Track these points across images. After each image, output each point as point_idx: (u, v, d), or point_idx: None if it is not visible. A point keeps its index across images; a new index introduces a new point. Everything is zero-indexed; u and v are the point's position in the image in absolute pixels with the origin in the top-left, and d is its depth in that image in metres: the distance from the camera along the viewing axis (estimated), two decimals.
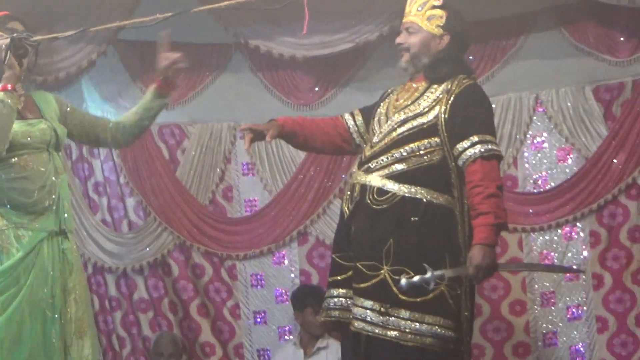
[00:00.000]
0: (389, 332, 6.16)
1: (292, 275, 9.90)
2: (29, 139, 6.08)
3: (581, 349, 9.16)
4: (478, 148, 6.17)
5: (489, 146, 6.21)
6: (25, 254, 5.96)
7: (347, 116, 6.92)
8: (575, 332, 9.21)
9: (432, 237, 6.24)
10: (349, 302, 6.39)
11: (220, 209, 10.06)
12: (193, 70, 9.82)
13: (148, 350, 9.80)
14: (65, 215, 6.14)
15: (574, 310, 9.20)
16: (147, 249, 9.94)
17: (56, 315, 6.00)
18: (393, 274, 6.15)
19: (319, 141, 6.96)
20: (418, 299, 6.13)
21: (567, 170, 9.28)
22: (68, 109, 6.48)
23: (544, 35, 9.35)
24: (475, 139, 6.19)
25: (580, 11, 9.10)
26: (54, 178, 6.12)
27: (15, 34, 6.10)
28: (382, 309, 6.17)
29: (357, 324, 6.25)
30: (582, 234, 9.22)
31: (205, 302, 9.98)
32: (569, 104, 9.22)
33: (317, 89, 9.82)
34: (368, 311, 6.19)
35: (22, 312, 5.91)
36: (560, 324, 9.24)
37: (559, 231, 9.28)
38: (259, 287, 9.94)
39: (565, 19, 9.23)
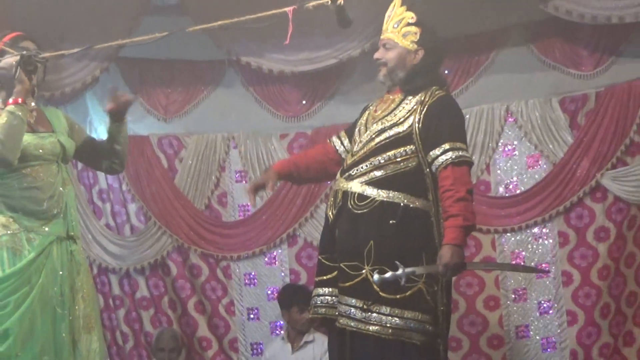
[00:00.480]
0: (371, 327, 6.17)
1: (283, 274, 9.89)
2: (40, 151, 6.06)
3: (552, 339, 9.13)
4: (449, 155, 6.20)
5: (460, 153, 6.23)
6: (36, 255, 5.94)
7: (335, 139, 6.92)
8: (546, 325, 9.17)
9: (410, 238, 6.24)
10: (334, 300, 6.40)
11: (216, 213, 10.05)
12: (189, 85, 9.94)
13: (149, 344, 9.77)
14: (73, 222, 6.14)
15: (544, 304, 9.18)
16: (148, 251, 9.94)
17: (65, 312, 5.98)
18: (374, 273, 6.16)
19: (313, 171, 6.97)
20: (398, 296, 6.15)
21: (536, 176, 9.27)
22: (76, 127, 6.48)
23: (514, 50, 9.37)
24: (447, 146, 6.22)
25: (547, 28, 9.12)
26: (61, 188, 6.12)
27: (25, 52, 6.10)
28: (365, 306, 6.19)
29: (342, 321, 6.27)
30: (551, 235, 9.20)
31: (202, 299, 9.97)
32: (537, 114, 9.22)
33: (304, 101, 9.83)
34: (352, 308, 6.22)
35: (34, 309, 5.89)
36: (532, 318, 9.22)
37: (530, 232, 9.26)
38: (252, 285, 9.93)
39: (533, 35, 9.27)
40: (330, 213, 6.54)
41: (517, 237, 9.31)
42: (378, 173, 6.31)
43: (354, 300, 6.21)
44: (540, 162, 9.28)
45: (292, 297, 9.24)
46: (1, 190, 6.05)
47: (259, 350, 9.82)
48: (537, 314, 9.20)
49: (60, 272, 6.01)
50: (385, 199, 6.26)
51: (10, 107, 5.94)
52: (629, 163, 8.95)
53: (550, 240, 9.20)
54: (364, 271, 6.19)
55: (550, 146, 9.16)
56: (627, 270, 8.88)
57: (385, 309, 6.16)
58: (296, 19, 6.34)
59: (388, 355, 6.22)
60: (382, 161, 6.31)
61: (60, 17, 8.71)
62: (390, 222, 6.24)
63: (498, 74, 9.41)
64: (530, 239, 9.29)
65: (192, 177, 9.96)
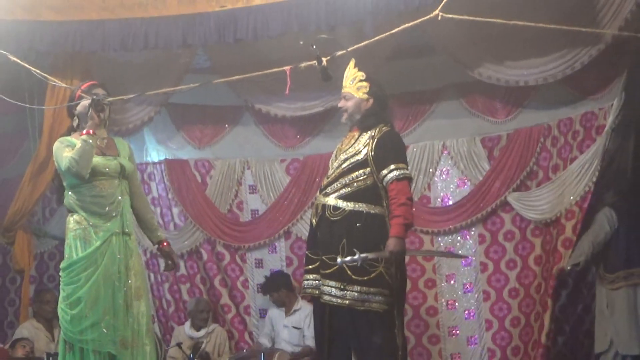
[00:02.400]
0: (346, 302, 6.32)
1: (281, 259, 9.89)
2: (106, 169, 6.19)
3: (472, 311, 9.14)
4: (394, 173, 6.34)
5: (402, 171, 6.38)
6: (101, 243, 6.06)
7: None
8: (468, 301, 9.18)
9: (371, 235, 6.37)
10: (318, 283, 6.49)
11: (235, 215, 10.04)
12: (217, 123, 9.98)
13: (186, 309, 9.79)
14: (127, 222, 6.24)
15: (467, 286, 9.18)
16: (186, 242, 9.96)
17: (121, 285, 6.08)
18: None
19: None
20: (365, 278, 6.31)
21: (463, 192, 9.26)
22: (133, 157, 6.56)
23: (449, 103, 9.35)
24: (392, 167, 6.36)
25: (473, 87, 9.08)
26: (120, 197, 6.23)
27: (95, 96, 6.19)
28: (341, 287, 6.33)
29: (325, 297, 6.41)
30: (473, 235, 9.20)
31: (225, 277, 9.99)
32: (464, 148, 9.21)
33: (298, 136, 9.79)
34: (332, 288, 6.37)
35: (99, 283, 6.02)
36: (458, 295, 9.22)
37: (458, 233, 9.25)
38: (260, 267, 9.93)
39: (463, 92, 9.25)
40: (313, 220, 6.68)
41: (449, 237, 9.28)
42: (346, 190, 6.45)
43: (333, 283, 6.37)
44: (466, 183, 9.25)
45: (280, 281, 9.38)
46: (77, 196, 6.18)
47: (264, 314, 9.81)
48: (462, 292, 9.18)
49: (118, 256, 6.11)
50: (352, 209, 6.41)
51: (84, 137, 6.10)
52: (530, 186, 8.92)
53: (472, 239, 9.19)
54: (338, 258, 6.26)
55: (473, 172, 9.15)
56: (536, 267, 8.84)
57: (356, 288, 6.30)
58: (295, 80, 6.48)
59: (358, 321, 6.35)
60: (347, 181, 6.45)
61: (127, 73, 8.76)
62: (357, 224, 6.40)
63: (437, 119, 9.38)
64: (458, 238, 9.26)
65: (218, 190, 9.96)
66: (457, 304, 9.23)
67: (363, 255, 6.17)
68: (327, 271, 6.40)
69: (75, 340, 5.99)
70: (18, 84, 8.08)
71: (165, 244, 6.57)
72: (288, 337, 9.15)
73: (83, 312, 5.98)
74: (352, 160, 6.48)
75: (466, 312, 9.17)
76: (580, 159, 8.42)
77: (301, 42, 6.28)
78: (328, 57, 6.22)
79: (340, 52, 6.38)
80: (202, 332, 9.41)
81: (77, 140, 6.15)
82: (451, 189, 9.36)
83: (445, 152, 9.34)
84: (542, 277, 8.76)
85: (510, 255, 9.02)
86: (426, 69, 9.24)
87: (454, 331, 9.18)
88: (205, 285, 10.00)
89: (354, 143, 6.57)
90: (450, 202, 9.32)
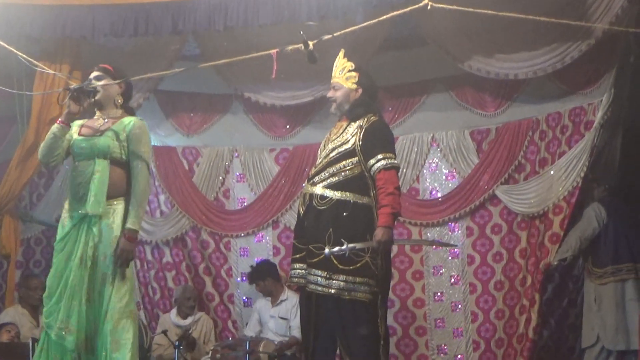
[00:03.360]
0: (332, 290, 6.25)
1: (268, 249, 9.88)
2: (82, 150, 6.02)
3: (459, 303, 9.16)
4: (382, 162, 6.26)
5: (389, 161, 6.30)
6: (70, 228, 5.93)
7: None
8: (455, 293, 9.19)
9: (358, 225, 6.29)
10: (304, 272, 6.43)
11: (221, 203, 10.03)
12: (206, 111, 9.98)
13: (171, 296, 9.78)
14: (93, 204, 5.84)
15: (454, 278, 9.19)
16: (171, 229, 9.95)
17: (87, 271, 5.82)
18: None
19: None
20: (351, 267, 6.22)
21: (451, 185, 9.27)
22: (135, 139, 6.03)
23: (438, 95, 9.37)
24: (380, 156, 6.28)
25: (462, 80, 9.11)
26: (90, 179, 5.93)
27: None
28: (327, 276, 6.26)
29: (311, 287, 6.34)
30: (460, 228, 9.22)
31: (209, 265, 9.99)
32: (453, 141, 9.23)
33: (287, 126, 9.81)
34: (318, 277, 6.28)
35: (64, 268, 5.87)
36: (445, 287, 9.22)
37: (446, 226, 9.27)
38: (245, 256, 9.92)
39: (453, 85, 9.27)
40: (301, 209, 6.58)
41: (437, 229, 9.29)
42: (333, 179, 6.35)
43: (319, 272, 6.28)
44: (454, 176, 9.28)
45: (266, 270, 9.32)
46: (68, 181, 6.15)
47: (249, 303, 9.81)
48: (449, 284, 9.19)
49: (84, 241, 5.84)
50: (339, 198, 6.30)
51: (52, 126, 6.07)
52: (518, 180, 8.93)
53: (460, 232, 9.20)
54: (325, 249, 6.21)
55: (462, 165, 9.17)
56: (522, 260, 8.84)
57: (342, 277, 6.22)
58: (284, 70, 6.46)
59: (344, 310, 6.30)
60: (335, 170, 6.36)
61: (117, 60, 8.65)
62: (344, 214, 6.28)
63: (427, 111, 9.40)
64: (446, 230, 9.27)
65: (205, 177, 9.96)
66: (444, 296, 9.23)
67: (351, 245, 6.12)
68: (314, 260, 6.33)
69: (45, 325, 5.87)
70: (7, 69, 8.03)
71: (126, 236, 5.85)
72: (274, 328, 9.11)
73: (49, 297, 5.87)
74: (340, 149, 6.42)
75: (452, 304, 9.18)
76: (568, 154, 8.44)
77: (301, 32, 6.24)
78: (315, 41, 6.19)
79: (327, 37, 6.34)
80: (189, 319, 9.38)
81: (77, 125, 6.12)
82: (440, 182, 9.38)
83: (435, 144, 9.36)
84: (526, 270, 8.77)
85: (497, 248, 9.03)
86: (416, 61, 9.24)
87: (440, 323, 9.19)
88: (191, 273, 9.97)
89: (342, 133, 6.51)
90: (439, 195, 9.33)
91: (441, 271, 9.29)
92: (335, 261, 6.23)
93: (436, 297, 9.27)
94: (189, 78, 9.06)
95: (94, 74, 6.26)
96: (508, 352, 8.75)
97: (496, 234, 9.06)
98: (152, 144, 9.69)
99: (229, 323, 9.88)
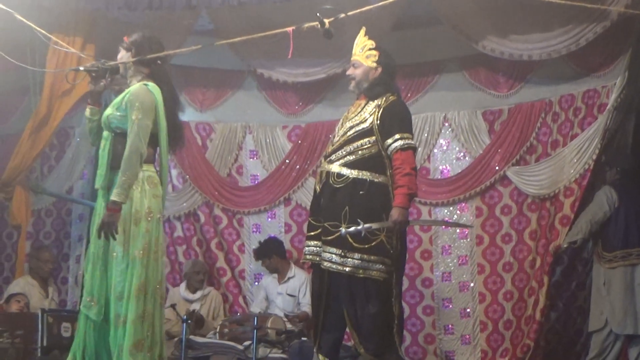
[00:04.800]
0: (346, 269, 6.32)
1: (280, 226, 9.86)
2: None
3: (467, 284, 9.11)
4: (399, 142, 6.35)
5: (406, 141, 6.39)
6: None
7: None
8: (463, 273, 9.14)
9: (374, 204, 6.37)
10: (319, 250, 6.49)
11: (234, 180, 10.00)
12: (219, 87, 9.97)
13: (181, 271, 9.78)
14: (102, 177, 5.75)
15: (462, 258, 9.14)
16: (184, 204, 9.93)
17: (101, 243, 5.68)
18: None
19: None
20: (366, 246, 6.31)
21: (462, 165, 9.21)
22: (128, 103, 5.69)
23: (451, 75, 9.31)
24: (397, 136, 6.37)
25: (475, 60, 9.06)
26: (101, 151, 5.85)
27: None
28: (342, 254, 6.32)
29: (325, 264, 6.42)
30: (470, 208, 9.15)
31: (221, 241, 9.96)
32: (465, 121, 9.17)
33: (300, 103, 9.79)
34: (333, 255, 6.36)
35: (92, 243, 5.81)
36: (453, 267, 9.17)
37: (456, 205, 9.22)
38: (257, 233, 9.89)
39: (466, 65, 9.22)
40: (317, 187, 6.65)
41: (447, 209, 9.24)
42: (350, 157, 6.45)
43: (334, 249, 6.35)
44: (465, 156, 9.22)
45: (272, 247, 9.33)
46: None
47: (259, 279, 9.79)
48: (457, 265, 9.14)
49: (98, 214, 5.72)
50: (356, 177, 6.40)
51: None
52: (529, 161, 8.87)
53: (469, 213, 9.14)
54: (341, 228, 6.26)
55: (473, 145, 9.11)
56: (531, 242, 8.78)
57: (357, 255, 6.29)
58: (298, 47, 6.42)
59: (356, 287, 6.37)
60: (352, 149, 6.45)
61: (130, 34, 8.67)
62: (360, 192, 6.38)
63: (439, 91, 9.35)
64: (456, 210, 9.22)
65: (218, 153, 9.93)
66: (452, 276, 9.19)
67: (366, 225, 6.19)
68: (329, 238, 6.40)
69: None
70: (21, 40, 8.03)
71: (107, 207, 5.54)
72: (282, 305, 9.12)
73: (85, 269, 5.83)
74: (358, 128, 6.48)
75: (460, 284, 9.13)
76: (581, 137, 8.37)
77: (317, 14, 6.19)
78: (331, 19, 6.15)
79: (342, 15, 6.30)
80: (198, 294, 9.39)
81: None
82: (451, 162, 9.32)
83: (446, 124, 9.31)
84: (536, 252, 8.71)
85: (507, 229, 8.97)
86: (429, 41, 9.20)
87: (447, 303, 9.15)
88: (202, 248, 9.95)
89: (360, 111, 6.57)
90: (450, 175, 9.28)
91: (450, 251, 9.23)
92: (350, 239, 6.30)
93: (444, 277, 9.22)
94: (202, 53, 9.00)
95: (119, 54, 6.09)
96: (516, 333, 8.69)
97: (506, 215, 8.99)
98: None
99: (240, 298, 9.84)
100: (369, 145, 6.42)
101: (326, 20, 6.12)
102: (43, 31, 7.22)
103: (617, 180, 8.11)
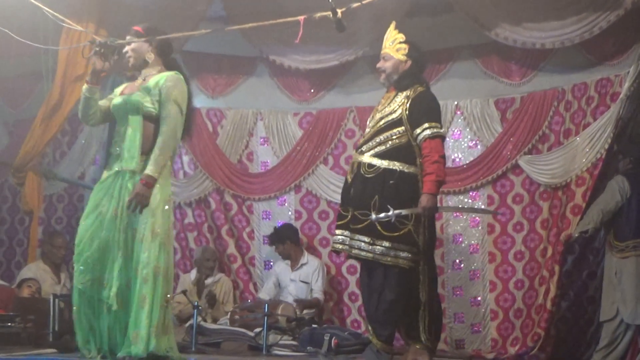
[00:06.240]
0: (374, 256, 6.48)
1: (290, 213, 9.85)
2: (118, 108, 5.97)
3: (477, 272, 9.08)
4: (427, 132, 6.53)
5: (435, 130, 6.56)
6: (101, 182, 5.94)
7: None
8: (473, 262, 9.11)
9: (403, 193, 6.55)
10: (346, 238, 6.63)
11: (245, 166, 9.99)
12: (231, 73, 9.96)
13: (192, 257, 9.77)
14: (126, 160, 5.84)
15: (473, 247, 9.12)
16: (195, 190, 9.94)
17: (120, 226, 5.77)
18: None
19: None
20: (395, 234, 6.46)
21: (474, 154, 9.18)
22: (165, 96, 5.83)
23: (464, 63, 9.28)
24: (426, 125, 6.54)
25: (489, 49, 9.02)
26: (123, 135, 5.94)
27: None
28: (371, 241, 6.50)
29: (354, 251, 6.63)
30: (482, 197, 9.13)
31: (232, 227, 9.95)
32: (478, 110, 9.13)
33: (312, 90, 9.77)
34: (362, 243, 6.55)
35: (94, 222, 5.83)
36: (464, 256, 9.15)
37: (467, 194, 9.20)
38: (267, 219, 9.90)
39: (478, 53, 9.18)
40: (349, 177, 6.84)
41: (458, 197, 9.22)
42: (381, 148, 6.63)
43: (363, 237, 6.53)
44: (477, 145, 9.19)
45: (286, 233, 9.35)
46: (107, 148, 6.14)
47: (269, 265, 9.79)
48: (468, 253, 9.12)
49: (115, 196, 5.78)
50: (386, 167, 6.58)
51: (82, 87, 6.07)
52: (541, 150, 8.84)
53: (481, 201, 9.12)
54: (372, 215, 6.44)
55: (485, 134, 9.07)
56: (543, 231, 8.76)
57: (386, 243, 6.47)
58: (310, 34, 6.41)
59: (377, 274, 6.55)
60: (382, 139, 6.66)
61: (143, 19, 8.61)
62: (390, 182, 6.53)
63: (452, 79, 9.31)
64: (467, 199, 9.20)
65: (229, 140, 9.91)
66: (462, 264, 9.17)
67: (397, 211, 6.35)
68: (358, 226, 6.55)
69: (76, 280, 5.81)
70: (34, 25, 8.01)
71: (143, 181, 5.66)
72: (295, 291, 9.12)
73: (79, 248, 5.79)
74: (388, 119, 6.66)
75: (471, 272, 9.12)
76: (593, 126, 8.31)
77: (330, 0, 6.16)
78: (343, 9, 6.14)
79: (355, 4, 6.30)
80: (209, 280, 9.40)
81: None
82: (463, 150, 9.29)
83: (459, 112, 9.28)
84: (547, 241, 8.68)
85: (518, 218, 8.94)
86: (443, 28, 9.17)
87: (458, 291, 9.13)
88: (212, 235, 9.95)
89: (390, 103, 6.75)
90: (462, 163, 9.25)
91: (461, 239, 9.21)
92: (379, 227, 6.46)
93: (455, 265, 9.21)
94: (214, 39, 9.05)
95: (127, 39, 6.15)
96: (526, 322, 8.67)
97: (517, 204, 8.96)
98: None
99: (250, 285, 9.84)
100: (398, 135, 6.60)
101: (339, 10, 6.11)
102: (55, 13, 7.20)
103: (629, 169, 8.06)
